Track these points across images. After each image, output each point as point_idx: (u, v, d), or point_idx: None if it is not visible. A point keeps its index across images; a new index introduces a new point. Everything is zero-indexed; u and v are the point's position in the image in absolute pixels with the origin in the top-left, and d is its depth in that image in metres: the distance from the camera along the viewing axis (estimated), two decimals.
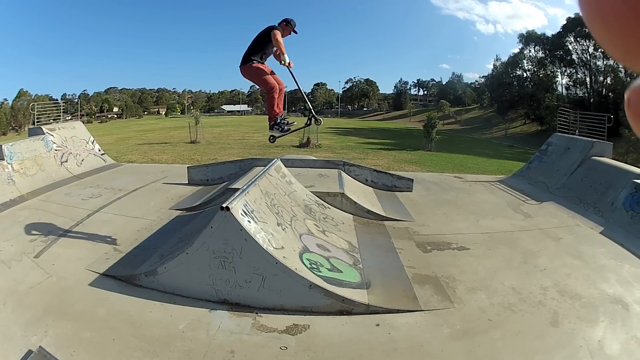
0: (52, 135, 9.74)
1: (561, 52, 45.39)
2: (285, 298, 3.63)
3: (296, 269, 3.59)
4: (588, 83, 44.26)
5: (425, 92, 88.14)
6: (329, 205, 6.72)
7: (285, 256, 3.71)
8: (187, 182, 9.18)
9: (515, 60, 50.66)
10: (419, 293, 3.89)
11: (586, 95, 43.94)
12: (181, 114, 69.60)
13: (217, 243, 3.73)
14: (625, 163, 7.87)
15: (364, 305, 3.50)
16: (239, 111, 73.76)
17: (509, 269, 4.55)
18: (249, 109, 78.46)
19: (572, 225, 5.94)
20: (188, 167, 9.64)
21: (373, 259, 4.72)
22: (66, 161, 9.59)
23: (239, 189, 7.20)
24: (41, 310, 3.70)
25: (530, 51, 49.54)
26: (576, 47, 44.76)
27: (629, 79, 34.64)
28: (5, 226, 5.96)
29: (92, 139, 11.00)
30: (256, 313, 3.65)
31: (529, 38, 49.63)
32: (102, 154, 11.19)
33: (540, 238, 5.53)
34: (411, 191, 8.89)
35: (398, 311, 3.53)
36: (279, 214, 4.73)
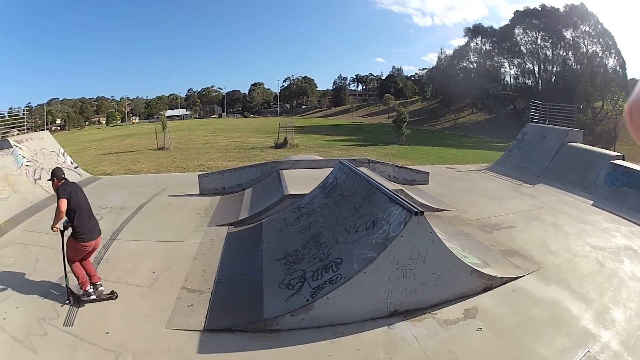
0: (20, 148, 8.27)
1: (509, 44, 47.45)
2: (450, 290, 4.12)
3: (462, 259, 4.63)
4: (536, 72, 46.78)
5: (364, 87, 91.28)
6: None
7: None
8: (196, 192, 8.72)
9: (461, 53, 52.97)
10: (515, 263, 5.73)
11: (534, 83, 46.51)
12: (121, 121, 69.00)
13: (404, 252, 3.86)
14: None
15: (499, 279, 4.91)
16: (177, 116, 71.90)
17: (552, 237, 6.68)
18: (188, 112, 77.15)
19: (569, 201, 8.41)
20: (199, 175, 9.07)
21: (463, 243, 6.40)
22: (39, 178, 8.17)
23: (298, 194, 7.28)
24: None
25: (477, 44, 51.70)
26: (524, 38, 46.95)
27: (579, 67, 38.02)
28: None
29: (62, 150, 9.63)
30: (429, 313, 3.92)
31: (475, 31, 51.89)
32: (75, 167, 9.85)
33: (553, 213, 7.84)
34: (427, 184, 10.70)
35: (515, 278, 5.16)
36: None
